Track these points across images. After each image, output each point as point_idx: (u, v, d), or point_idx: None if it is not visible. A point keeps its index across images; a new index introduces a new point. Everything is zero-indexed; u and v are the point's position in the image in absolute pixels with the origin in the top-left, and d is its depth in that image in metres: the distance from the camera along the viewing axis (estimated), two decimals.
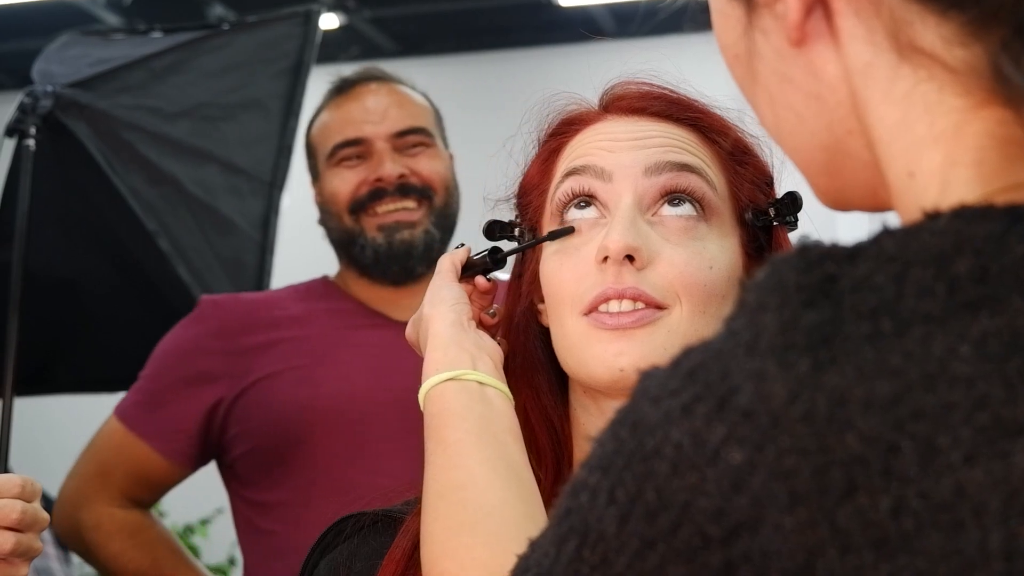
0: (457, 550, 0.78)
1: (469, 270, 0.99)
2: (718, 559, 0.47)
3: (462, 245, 1.01)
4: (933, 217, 0.50)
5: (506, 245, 1.01)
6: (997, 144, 0.52)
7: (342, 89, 1.89)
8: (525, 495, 0.81)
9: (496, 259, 0.99)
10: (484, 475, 0.81)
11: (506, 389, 0.89)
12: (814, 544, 0.45)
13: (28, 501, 1.12)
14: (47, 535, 2.74)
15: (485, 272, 0.99)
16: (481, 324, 0.97)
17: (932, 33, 0.52)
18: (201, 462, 1.87)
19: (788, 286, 0.50)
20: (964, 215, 0.49)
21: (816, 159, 0.59)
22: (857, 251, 0.50)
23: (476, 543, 0.78)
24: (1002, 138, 0.52)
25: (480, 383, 0.87)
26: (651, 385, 0.52)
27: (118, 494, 1.84)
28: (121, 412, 1.85)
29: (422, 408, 0.88)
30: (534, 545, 0.56)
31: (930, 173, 0.53)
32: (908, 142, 0.54)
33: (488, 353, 0.90)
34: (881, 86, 0.54)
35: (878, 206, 0.59)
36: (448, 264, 0.98)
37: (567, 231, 0.94)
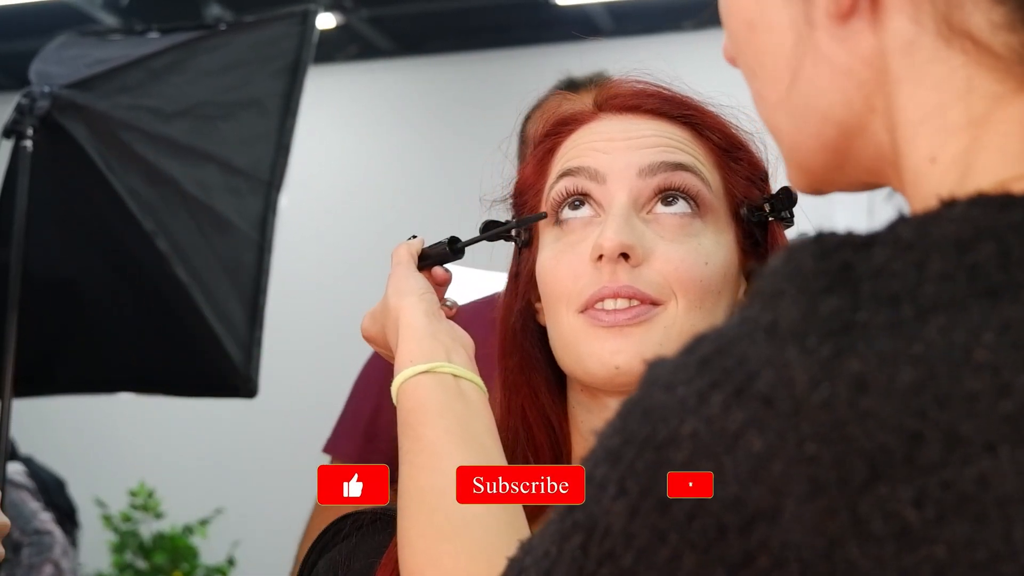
0: (440, 558, 0.76)
1: (426, 260, 0.97)
2: (735, 549, 0.46)
3: (414, 237, 0.99)
4: (950, 204, 0.49)
5: (503, 246, 1.01)
6: None
7: (572, 86, 1.89)
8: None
9: (455, 249, 0.97)
10: None
11: (480, 382, 0.87)
12: (834, 533, 0.44)
13: None
14: (61, 537, 2.73)
15: (442, 262, 0.98)
16: None
17: (982, 17, 0.52)
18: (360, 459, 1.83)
19: (806, 273, 0.49)
20: (982, 203, 0.48)
21: (824, 133, 0.58)
22: (873, 239, 0.49)
23: (459, 551, 0.76)
24: None
25: (455, 376, 0.85)
26: (662, 373, 0.50)
27: None
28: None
29: (395, 402, 0.85)
30: (528, 547, 0.54)
31: (952, 159, 0.53)
32: (937, 127, 0.53)
33: (462, 344, 0.89)
34: (919, 66, 0.53)
35: (865, 187, 0.59)
36: (406, 254, 0.96)
37: (539, 216, 0.94)
